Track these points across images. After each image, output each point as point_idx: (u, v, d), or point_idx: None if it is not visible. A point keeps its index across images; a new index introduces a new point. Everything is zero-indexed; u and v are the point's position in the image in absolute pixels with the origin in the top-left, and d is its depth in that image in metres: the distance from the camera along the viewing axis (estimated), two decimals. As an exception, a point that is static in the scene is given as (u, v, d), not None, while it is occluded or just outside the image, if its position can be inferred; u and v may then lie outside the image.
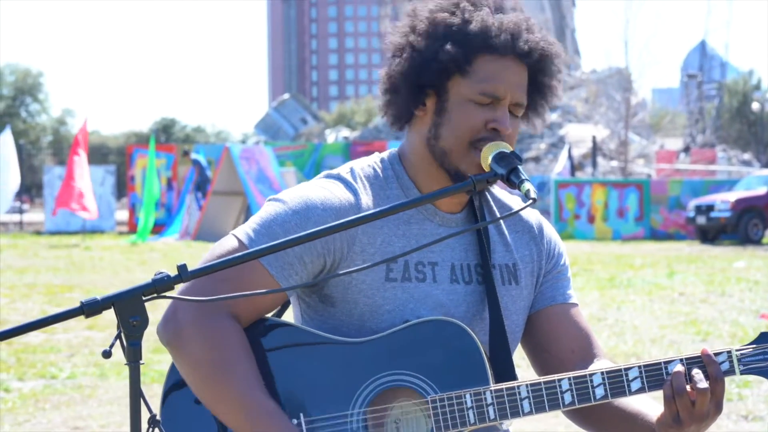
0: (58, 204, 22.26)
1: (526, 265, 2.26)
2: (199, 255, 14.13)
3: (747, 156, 43.84)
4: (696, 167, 35.95)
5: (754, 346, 2.07)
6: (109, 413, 6.38)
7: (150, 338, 1.78)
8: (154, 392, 6.21)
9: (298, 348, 2.07)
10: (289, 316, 2.24)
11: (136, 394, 1.71)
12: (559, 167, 31.12)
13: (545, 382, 2.03)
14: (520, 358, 2.24)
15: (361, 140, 40.23)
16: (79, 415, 6.33)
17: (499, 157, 2.02)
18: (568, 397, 2.03)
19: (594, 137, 33.42)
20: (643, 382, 2.04)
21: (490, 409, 2.02)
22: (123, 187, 37.71)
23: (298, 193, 2.13)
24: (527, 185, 1.95)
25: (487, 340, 2.15)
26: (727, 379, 2.04)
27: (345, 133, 52.41)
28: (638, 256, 18.30)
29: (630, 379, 2.04)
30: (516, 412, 2.02)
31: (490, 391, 2.03)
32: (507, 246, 2.25)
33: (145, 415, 1.76)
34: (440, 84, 2.11)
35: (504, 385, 2.04)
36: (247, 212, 23.36)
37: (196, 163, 24.89)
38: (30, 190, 50.14)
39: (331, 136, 50.81)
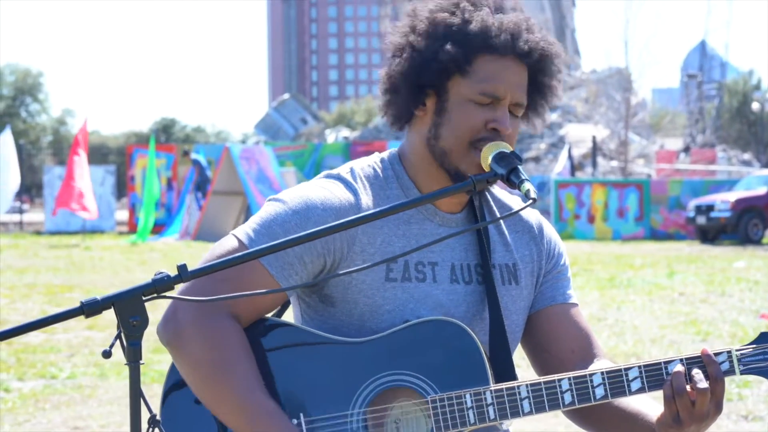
0: (58, 204, 22.26)
1: (526, 265, 2.26)
2: (199, 255, 14.14)
3: (747, 156, 43.84)
4: (696, 167, 35.95)
5: (754, 346, 2.07)
6: (109, 413, 6.38)
7: (150, 338, 1.78)
8: (154, 392, 6.21)
9: (298, 348, 2.07)
10: (289, 316, 2.24)
11: (136, 394, 1.71)
12: (559, 167, 31.11)
13: (545, 382, 2.03)
14: (520, 358, 2.24)
15: (361, 140, 40.23)
16: (79, 415, 6.33)
17: (499, 157, 2.02)
18: (568, 397, 2.03)
19: (594, 137, 33.42)
20: (643, 382, 2.04)
21: (490, 409, 2.02)
22: (123, 187, 37.71)
23: (298, 193, 2.13)
24: (527, 185, 1.95)
25: (487, 340, 2.15)
26: (727, 379, 2.04)
27: (345, 133, 52.41)
28: (638, 256, 18.30)
29: (630, 379, 2.04)
30: (516, 412, 2.02)
31: (490, 391, 2.03)
32: (507, 246, 2.25)
33: (145, 415, 1.76)
34: (440, 84, 2.11)
35: (504, 385, 2.03)
36: (247, 212, 23.36)
37: (196, 163, 24.88)
38: (30, 190, 50.15)
39: (331, 136, 50.81)
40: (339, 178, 2.17)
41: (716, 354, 2.05)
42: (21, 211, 31.64)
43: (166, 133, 77.35)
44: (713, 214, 22.90)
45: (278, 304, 2.15)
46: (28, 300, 11.59)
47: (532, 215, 2.31)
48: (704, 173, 34.78)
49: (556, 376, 2.04)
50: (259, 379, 2.00)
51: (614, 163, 36.69)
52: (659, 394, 2.04)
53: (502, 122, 2.09)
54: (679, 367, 2.02)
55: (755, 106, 54.01)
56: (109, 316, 1.69)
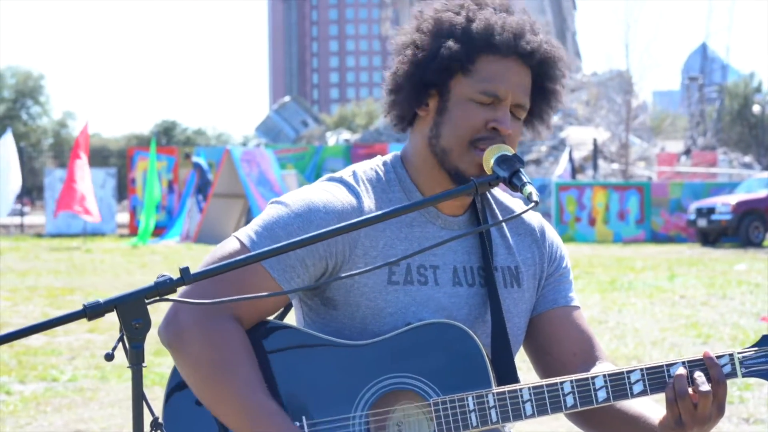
0: (59, 206, 22.24)
1: (528, 267, 2.26)
2: (200, 258, 14.13)
3: (748, 159, 43.84)
4: (697, 170, 35.96)
5: (756, 348, 2.07)
6: (110, 416, 6.38)
7: (151, 341, 1.78)
8: (155, 395, 6.21)
9: (301, 350, 2.07)
10: (291, 318, 2.24)
11: (139, 397, 1.71)
12: (560, 170, 31.11)
13: (547, 385, 2.03)
14: (521, 360, 2.24)
15: (362, 143, 40.26)
16: (80, 418, 6.33)
17: (501, 160, 2.03)
18: (570, 400, 2.03)
19: (595, 140, 33.43)
20: (645, 385, 2.04)
21: (493, 411, 2.02)
22: (124, 189, 37.69)
23: (301, 196, 2.13)
24: (529, 188, 1.95)
25: (489, 342, 2.15)
26: (728, 382, 2.05)
27: (346, 135, 52.40)
28: (639, 259, 18.29)
29: (632, 381, 2.04)
30: (518, 415, 2.02)
31: (493, 393, 2.03)
32: (509, 249, 2.25)
33: (147, 418, 1.76)
34: (443, 83, 2.11)
35: (506, 388, 2.03)
36: (248, 215, 23.36)
37: (197, 166, 24.88)
38: (31, 192, 50.14)
39: (332, 139, 50.80)
40: (341, 181, 2.17)
41: (718, 357, 2.05)
42: (22, 214, 31.65)
43: (167, 136, 77.34)
44: (714, 217, 22.90)
45: (280, 307, 2.15)
46: (30, 303, 11.59)
47: (534, 218, 2.31)
48: (705, 176, 34.79)
49: (558, 379, 2.04)
50: (260, 380, 2.00)
51: (615, 166, 36.70)
52: (661, 396, 2.04)
53: (502, 122, 2.09)
54: (682, 370, 2.02)
55: (756, 108, 54.00)
56: (110, 319, 1.69)
